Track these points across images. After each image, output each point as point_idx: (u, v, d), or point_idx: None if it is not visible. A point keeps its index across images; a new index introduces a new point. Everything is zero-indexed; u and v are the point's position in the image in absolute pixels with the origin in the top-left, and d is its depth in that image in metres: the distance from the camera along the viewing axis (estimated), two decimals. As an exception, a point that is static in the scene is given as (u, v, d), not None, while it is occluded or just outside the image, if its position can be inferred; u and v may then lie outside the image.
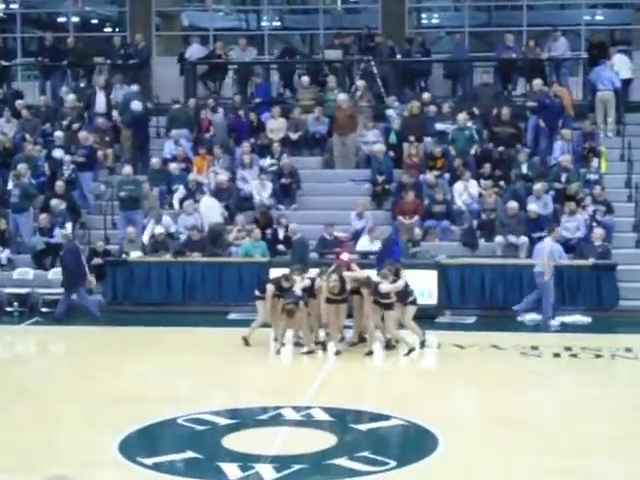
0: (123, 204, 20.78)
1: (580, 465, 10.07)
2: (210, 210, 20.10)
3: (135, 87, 23.29)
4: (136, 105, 22.53)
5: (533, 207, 19.59)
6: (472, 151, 21.34)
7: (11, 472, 9.81)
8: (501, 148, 21.11)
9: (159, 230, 19.91)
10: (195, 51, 24.73)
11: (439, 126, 21.81)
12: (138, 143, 22.65)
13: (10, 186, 21.03)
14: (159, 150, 22.56)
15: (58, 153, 21.86)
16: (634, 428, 11.40)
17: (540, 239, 18.77)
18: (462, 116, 21.44)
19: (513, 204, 19.57)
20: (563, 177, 20.35)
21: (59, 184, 20.83)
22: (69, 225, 20.47)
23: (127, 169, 21.18)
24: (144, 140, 22.73)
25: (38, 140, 22.79)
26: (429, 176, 20.64)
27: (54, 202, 20.39)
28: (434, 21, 28.86)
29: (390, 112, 22.33)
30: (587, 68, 23.14)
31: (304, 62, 24.82)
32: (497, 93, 22.52)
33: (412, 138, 21.41)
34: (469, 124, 21.45)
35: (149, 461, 10.11)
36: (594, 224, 19.35)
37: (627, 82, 22.80)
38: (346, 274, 15.44)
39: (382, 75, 23.25)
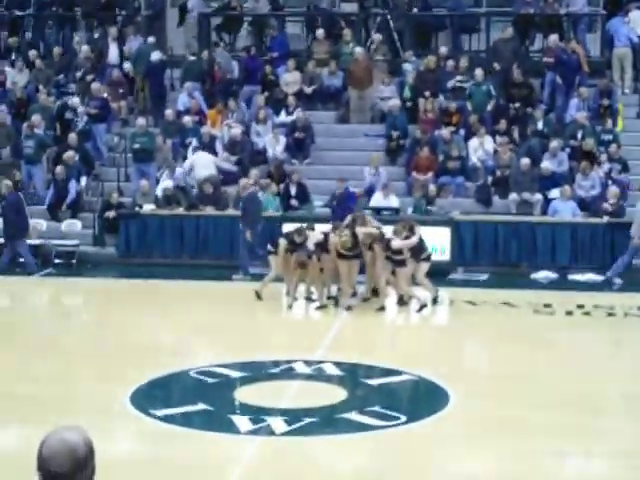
0: (136, 156, 20.72)
1: (588, 423, 10.07)
2: (198, 166, 19.85)
3: (151, 39, 23.09)
4: (156, 55, 22.41)
5: (547, 164, 19.47)
6: (489, 107, 21.17)
7: (23, 422, 9.90)
8: (517, 104, 20.93)
9: (167, 184, 19.88)
10: (196, 3, 24.47)
11: (452, 82, 21.58)
12: (154, 94, 22.55)
13: (23, 137, 20.97)
14: (173, 103, 22.45)
15: (71, 104, 21.73)
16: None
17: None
18: (479, 71, 21.23)
19: (526, 161, 19.45)
20: (579, 134, 20.19)
21: (72, 136, 20.76)
22: (83, 178, 20.46)
23: (141, 121, 21.09)
24: (160, 91, 22.62)
25: (52, 91, 22.74)
26: (444, 132, 20.50)
27: (68, 155, 20.32)
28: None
29: (407, 66, 22.13)
30: (605, 24, 22.89)
31: (319, 14, 24.58)
32: (515, 48, 22.25)
33: (427, 93, 21.23)
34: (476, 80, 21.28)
35: (161, 413, 10.15)
36: (609, 182, 19.23)
37: None
38: (359, 229, 15.38)
39: (398, 29, 23.03)
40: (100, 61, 22.99)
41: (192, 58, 22.63)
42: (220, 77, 22.37)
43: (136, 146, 20.63)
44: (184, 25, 24.49)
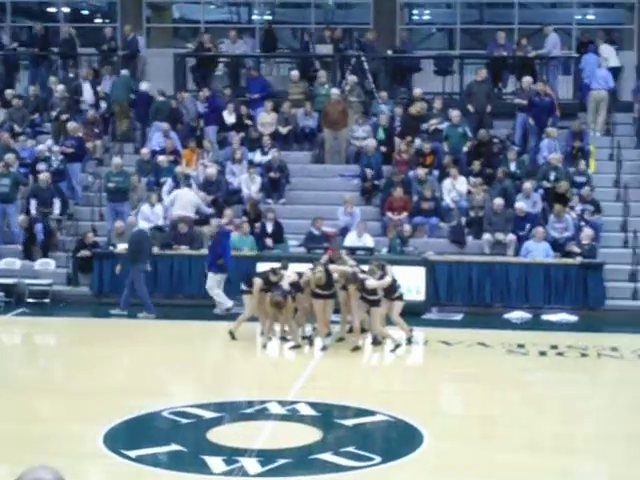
0: (111, 196, 20.69)
1: (563, 464, 10.06)
2: (176, 205, 19.79)
3: (125, 72, 23.24)
4: (145, 85, 22.81)
5: (521, 205, 19.59)
6: (465, 148, 21.32)
7: (-6, 462, 9.80)
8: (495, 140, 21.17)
9: (143, 225, 19.80)
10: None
11: (428, 125, 21.74)
12: (137, 124, 22.74)
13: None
14: (148, 141, 22.48)
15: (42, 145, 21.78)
16: (618, 428, 11.40)
17: (527, 238, 19.01)
18: (455, 113, 21.39)
19: (499, 201, 19.57)
20: (552, 176, 20.33)
21: (45, 175, 20.68)
22: (57, 204, 20.35)
23: (117, 160, 21.09)
24: (145, 122, 22.75)
25: (26, 130, 22.73)
26: (419, 172, 20.60)
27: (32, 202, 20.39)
28: (425, 17, 28.80)
29: (382, 107, 22.27)
30: (577, 66, 23.17)
31: (295, 57, 24.73)
32: (489, 90, 22.46)
33: (409, 138, 21.35)
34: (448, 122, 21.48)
35: (133, 453, 10.07)
36: (582, 223, 19.37)
37: (616, 71, 22.84)
38: (332, 267, 15.40)
39: (372, 70, 23.21)
40: (77, 101, 23.02)
41: (162, 98, 22.68)
42: (186, 120, 22.55)
43: (111, 185, 20.61)
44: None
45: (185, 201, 19.84)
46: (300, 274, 15.62)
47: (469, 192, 20.43)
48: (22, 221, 20.17)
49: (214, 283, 17.96)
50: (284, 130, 22.38)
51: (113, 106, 23.07)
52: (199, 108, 22.75)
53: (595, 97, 22.08)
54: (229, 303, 17.82)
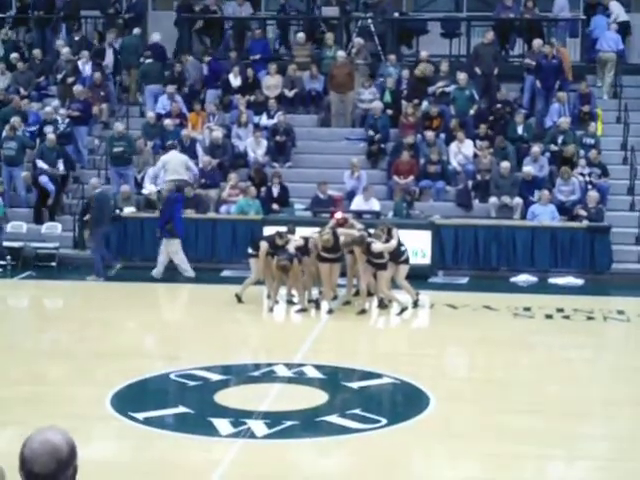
0: (114, 160, 20.65)
1: (569, 428, 10.11)
2: (169, 169, 19.49)
3: (137, 30, 23.19)
4: (156, 36, 22.81)
5: (529, 169, 19.53)
6: (471, 111, 21.23)
7: (2, 425, 9.86)
8: (498, 105, 21.07)
9: (151, 188, 19.77)
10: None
11: (435, 88, 21.66)
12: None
13: (4, 138, 20.81)
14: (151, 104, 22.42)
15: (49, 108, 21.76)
16: (624, 391, 11.45)
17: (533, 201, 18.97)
18: (462, 76, 21.28)
19: (506, 164, 19.50)
20: (559, 139, 20.25)
21: (51, 137, 20.64)
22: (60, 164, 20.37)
23: (118, 125, 20.98)
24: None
25: (32, 94, 22.67)
26: (428, 134, 20.51)
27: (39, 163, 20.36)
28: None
29: (390, 70, 22.15)
30: (585, 29, 23.02)
31: (301, 18, 24.60)
32: (496, 53, 22.33)
33: (416, 101, 21.29)
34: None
35: (141, 415, 10.13)
36: (589, 187, 19.32)
37: (625, 28, 22.67)
38: (340, 230, 15.40)
39: (379, 33, 23.07)
40: (99, 65, 22.90)
41: (149, 61, 22.62)
42: (189, 83, 22.53)
43: (114, 150, 20.56)
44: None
45: (175, 164, 19.59)
46: (306, 238, 15.63)
47: (476, 155, 20.37)
48: (25, 177, 20.10)
49: (175, 248, 17.86)
50: (290, 93, 22.29)
51: (123, 70, 23.02)
52: (204, 71, 22.68)
53: (604, 58, 21.95)
54: (191, 271, 17.78)
